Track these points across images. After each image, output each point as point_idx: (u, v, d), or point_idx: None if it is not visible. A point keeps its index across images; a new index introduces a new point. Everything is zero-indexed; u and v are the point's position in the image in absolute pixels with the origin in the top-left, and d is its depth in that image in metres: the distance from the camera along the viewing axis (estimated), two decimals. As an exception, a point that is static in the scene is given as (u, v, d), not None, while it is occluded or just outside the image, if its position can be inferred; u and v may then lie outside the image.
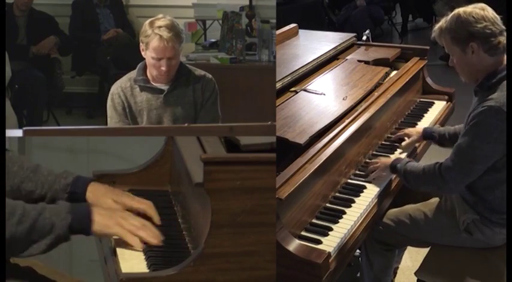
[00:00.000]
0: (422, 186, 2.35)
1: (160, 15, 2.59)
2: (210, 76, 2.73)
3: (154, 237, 1.78)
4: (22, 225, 1.64)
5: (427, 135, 2.77)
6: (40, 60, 4.91)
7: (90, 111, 5.35)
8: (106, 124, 2.73)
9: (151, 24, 2.54)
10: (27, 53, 4.89)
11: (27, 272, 1.95)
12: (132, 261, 1.76)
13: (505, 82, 2.15)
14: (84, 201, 1.90)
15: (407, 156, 2.69)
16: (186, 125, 2.16)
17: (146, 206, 1.91)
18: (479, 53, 2.17)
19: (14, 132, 2.02)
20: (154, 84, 2.64)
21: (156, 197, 2.12)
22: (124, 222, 1.77)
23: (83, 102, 5.51)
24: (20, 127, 3.97)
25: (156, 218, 1.89)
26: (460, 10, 2.19)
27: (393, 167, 2.41)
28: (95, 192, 1.91)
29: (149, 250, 1.79)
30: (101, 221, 1.74)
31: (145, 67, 2.64)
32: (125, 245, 1.79)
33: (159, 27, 2.51)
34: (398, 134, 2.82)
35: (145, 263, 1.76)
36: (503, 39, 2.16)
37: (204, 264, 1.67)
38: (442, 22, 2.25)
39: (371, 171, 2.48)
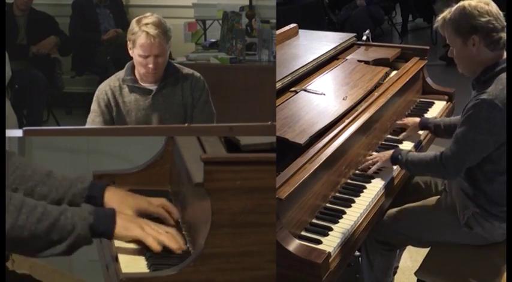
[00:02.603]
0: (424, 173, 2.51)
1: (148, 14, 2.59)
2: (199, 74, 2.71)
3: (176, 242, 1.78)
4: (42, 224, 1.62)
5: (423, 126, 2.85)
6: (40, 60, 4.92)
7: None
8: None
9: (139, 21, 2.54)
10: (27, 53, 4.89)
11: (24, 279, 1.94)
12: (132, 261, 1.76)
13: (500, 76, 2.18)
14: (102, 206, 1.89)
15: (414, 147, 2.76)
16: (186, 125, 2.15)
17: (162, 212, 1.93)
18: (480, 47, 2.21)
19: (14, 132, 2.02)
20: (142, 84, 2.63)
21: (156, 197, 2.12)
22: (146, 227, 1.77)
23: (83, 102, 5.50)
24: (20, 127, 3.97)
25: (176, 214, 1.95)
26: (465, 3, 2.22)
27: (395, 158, 2.46)
28: (113, 198, 1.90)
29: (149, 250, 1.79)
30: (123, 224, 1.73)
31: (133, 66, 2.63)
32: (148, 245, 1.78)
33: (146, 24, 2.51)
34: (399, 122, 2.91)
35: (146, 263, 1.76)
36: (504, 35, 2.20)
37: (204, 264, 1.67)
38: (446, 13, 2.28)
39: (368, 166, 2.50)
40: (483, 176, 2.26)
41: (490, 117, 2.11)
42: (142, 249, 1.80)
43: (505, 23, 2.21)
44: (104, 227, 1.71)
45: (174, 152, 2.17)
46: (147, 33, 2.50)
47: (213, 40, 4.92)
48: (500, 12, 2.21)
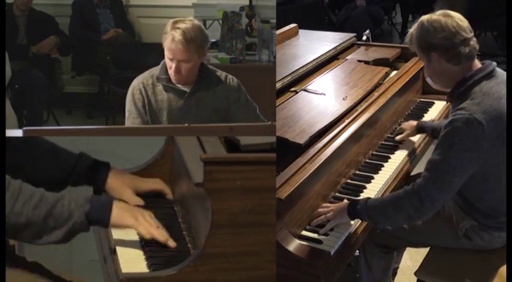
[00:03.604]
0: (394, 216, 2.10)
1: (185, 18, 2.55)
2: (231, 76, 2.69)
3: (164, 237, 1.81)
4: (39, 210, 1.65)
5: (420, 129, 2.79)
6: (40, 60, 4.92)
7: (90, 111, 5.36)
8: (106, 124, 2.72)
9: (174, 23, 2.51)
10: (27, 53, 4.90)
11: (35, 265, 1.95)
12: (132, 261, 1.76)
13: (475, 89, 2.10)
14: (103, 186, 2.04)
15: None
16: (186, 125, 2.15)
17: (158, 185, 2.11)
18: (442, 62, 2.14)
19: (14, 132, 2.02)
20: (176, 84, 2.61)
21: (157, 197, 2.12)
22: (140, 217, 1.80)
23: (83, 102, 5.52)
24: (20, 127, 3.96)
25: (168, 191, 2.10)
26: (425, 18, 2.17)
27: (352, 208, 2.13)
28: (114, 179, 2.05)
29: (149, 250, 1.79)
30: (119, 213, 1.76)
31: None
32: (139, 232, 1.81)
33: (178, 28, 2.48)
34: (397, 130, 2.85)
35: (145, 263, 1.76)
36: (464, 49, 2.09)
37: (204, 264, 1.67)
38: (413, 29, 2.23)
39: (318, 222, 2.14)
40: (472, 195, 2.21)
41: (469, 132, 2.00)
42: (142, 248, 1.81)
43: (469, 35, 2.09)
44: (99, 214, 1.73)
45: (174, 152, 2.17)
46: (173, 37, 2.47)
47: (213, 40, 4.91)
48: (463, 25, 2.10)
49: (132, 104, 2.62)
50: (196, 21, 2.57)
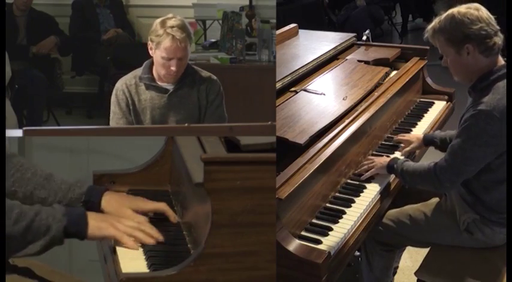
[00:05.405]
0: (420, 185, 2.39)
1: (170, 15, 2.58)
2: (215, 78, 2.71)
3: (150, 236, 1.80)
4: (18, 225, 1.64)
5: (428, 142, 2.72)
6: (40, 60, 4.92)
7: (90, 111, 5.35)
8: (106, 124, 2.73)
9: (163, 23, 2.53)
10: (27, 53, 4.89)
11: (25, 272, 1.95)
12: (132, 261, 1.76)
13: (497, 84, 2.14)
14: (99, 211, 1.89)
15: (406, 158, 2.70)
16: (186, 125, 2.15)
17: (162, 206, 1.95)
18: (475, 54, 2.16)
19: (14, 132, 2.02)
20: (159, 83, 2.64)
21: (156, 197, 2.12)
22: (118, 225, 1.79)
23: (83, 102, 5.52)
24: (20, 127, 3.97)
25: (173, 217, 1.95)
26: (454, 10, 2.17)
27: (390, 167, 2.43)
28: (111, 202, 1.91)
29: (149, 250, 1.79)
30: (95, 224, 1.75)
31: (151, 65, 2.63)
32: (123, 244, 1.80)
33: (172, 27, 2.50)
34: (399, 138, 2.77)
35: (146, 263, 1.76)
36: (498, 39, 2.16)
37: (204, 264, 1.67)
38: (436, 22, 2.23)
39: (365, 170, 2.48)
40: (480, 186, 2.24)
41: (488, 128, 2.07)
42: (142, 248, 1.81)
43: (497, 27, 2.16)
44: (76, 228, 1.73)
45: (174, 152, 2.17)
46: (173, 36, 2.49)
47: (213, 40, 4.92)
48: (492, 17, 2.16)
49: (116, 105, 2.65)
50: (179, 16, 2.59)
